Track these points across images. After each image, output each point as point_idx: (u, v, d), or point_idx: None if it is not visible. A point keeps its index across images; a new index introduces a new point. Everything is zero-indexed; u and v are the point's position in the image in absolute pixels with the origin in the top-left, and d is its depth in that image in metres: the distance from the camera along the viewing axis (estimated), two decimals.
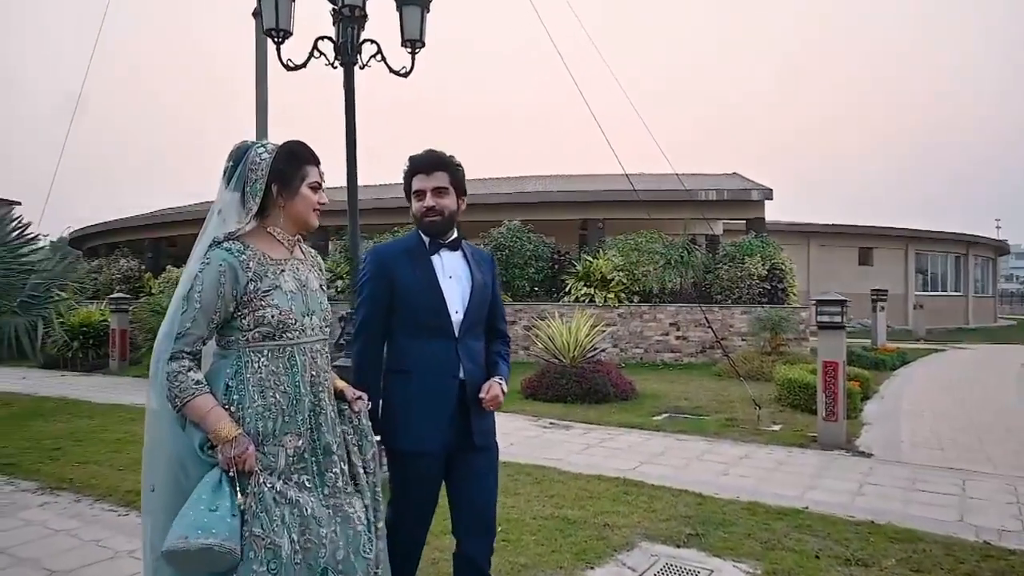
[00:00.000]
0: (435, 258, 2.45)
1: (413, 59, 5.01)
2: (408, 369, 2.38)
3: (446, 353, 2.38)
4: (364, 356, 2.43)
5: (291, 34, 4.80)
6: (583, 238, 16.81)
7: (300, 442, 2.04)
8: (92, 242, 23.86)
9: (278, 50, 4.83)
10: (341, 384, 2.27)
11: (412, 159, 2.47)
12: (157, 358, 1.97)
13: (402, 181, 2.53)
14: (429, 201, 2.42)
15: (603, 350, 11.08)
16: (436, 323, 2.38)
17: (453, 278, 2.44)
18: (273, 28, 4.69)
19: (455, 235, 2.51)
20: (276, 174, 2.08)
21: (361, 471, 2.18)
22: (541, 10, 6.68)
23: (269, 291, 2.02)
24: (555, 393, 8.61)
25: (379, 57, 4.93)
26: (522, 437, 6.54)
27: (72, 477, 5.15)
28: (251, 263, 2.01)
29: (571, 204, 16.00)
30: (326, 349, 2.18)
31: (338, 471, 2.10)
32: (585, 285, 13.53)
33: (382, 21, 5.16)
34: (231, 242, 2.03)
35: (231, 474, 1.88)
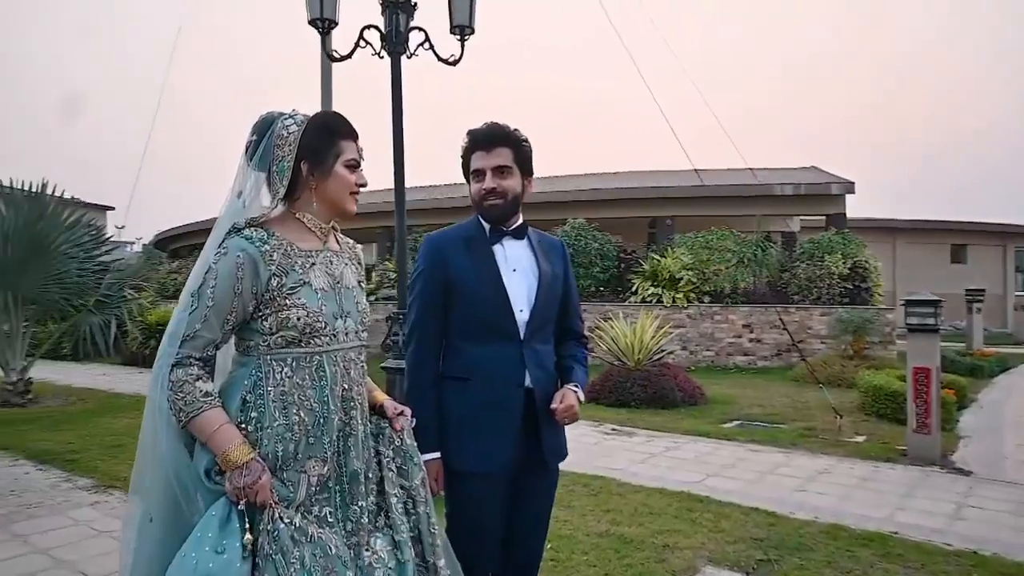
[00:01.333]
0: (497, 248, 2.14)
1: (462, 46, 4.79)
2: (466, 376, 2.08)
3: (509, 358, 2.07)
4: (417, 361, 2.13)
5: (336, 24, 4.66)
6: (651, 236, 16.30)
7: (325, 468, 1.72)
8: (175, 244, 24.88)
9: (323, 41, 4.69)
10: (381, 397, 1.96)
11: (471, 133, 2.15)
12: (160, 361, 1.69)
13: (461, 161, 2.22)
14: (489, 182, 2.10)
15: (671, 353, 10.62)
16: (498, 323, 2.08)
17: (518, 271, 2.13)
18: (318, 18, 4.56)
19: (520, 221, 2.18)
20: (306, 150, 1.77)
21: (394, 501, 1.83)
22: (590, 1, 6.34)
23: (296, 288, 1.72)
24: (618, 397, 8.24)
25: (427, 45, 4.72)
26: (581, 444, 6.22)
27: (126, 475, 5.16)
28: (275, 255, 1.71)
29: (638, 201, 15.52)
30: (362, 358, 1.86)
31: (364, 504, 1.78)
32: (652, 285, 13.05)
33: (429, 9, 4.95)
34: (253, 229, 1.73)
35: (240, 507, 1.59)
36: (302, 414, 1.70)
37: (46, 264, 8.21)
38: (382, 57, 4.60)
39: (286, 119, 1.78)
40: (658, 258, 13.36)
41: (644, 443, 6.39)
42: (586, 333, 2.41)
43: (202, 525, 1.57)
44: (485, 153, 2.12)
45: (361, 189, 1.86)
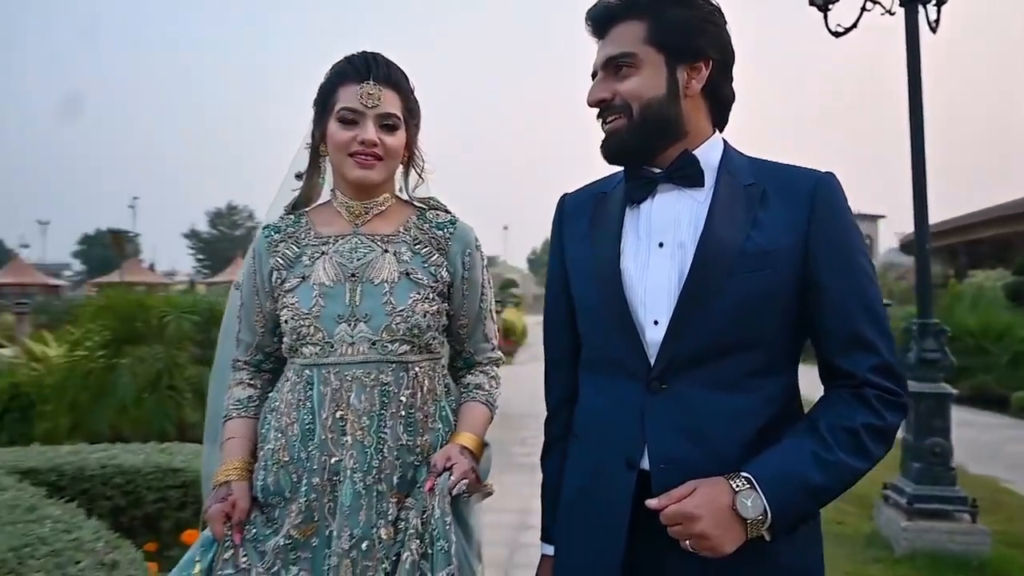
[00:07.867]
0: (643, 207, 1.26)
1: None
2: (576, 431, 1.35)
3: (619, 412, 1.23)
4: (548, 392, 1.45)
5: None
6: None
7: (299, 519, 1.38)
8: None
9: (825, 18, 4.48)
10: (463, 441, 1.45)
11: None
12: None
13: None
14: (597, 90, 1.26)
15: None
16: (608, 346, 1.27)
17: (667, 247, 1.22)
18: None
19: (684, 150, 1.23)
20: (315, 111, 1.51)
21: None
22: None
23: (295, 284, 1.46)
24: None
25: None
26: None
27: None
28: (281, 244, 1.50)
29: None
30: (388, 378, 1.41)
31: None
32: None
33: None
34: (285, 217, 1.56)
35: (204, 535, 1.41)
36: (284, 441, 1.42)
37: None
38: (893, 14, 4.17)
39: None
40: None
41: None
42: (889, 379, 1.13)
43: (192, 547, 1.42)
44: (600, 41, 1.27)
45: (368, 148, 1.41)
